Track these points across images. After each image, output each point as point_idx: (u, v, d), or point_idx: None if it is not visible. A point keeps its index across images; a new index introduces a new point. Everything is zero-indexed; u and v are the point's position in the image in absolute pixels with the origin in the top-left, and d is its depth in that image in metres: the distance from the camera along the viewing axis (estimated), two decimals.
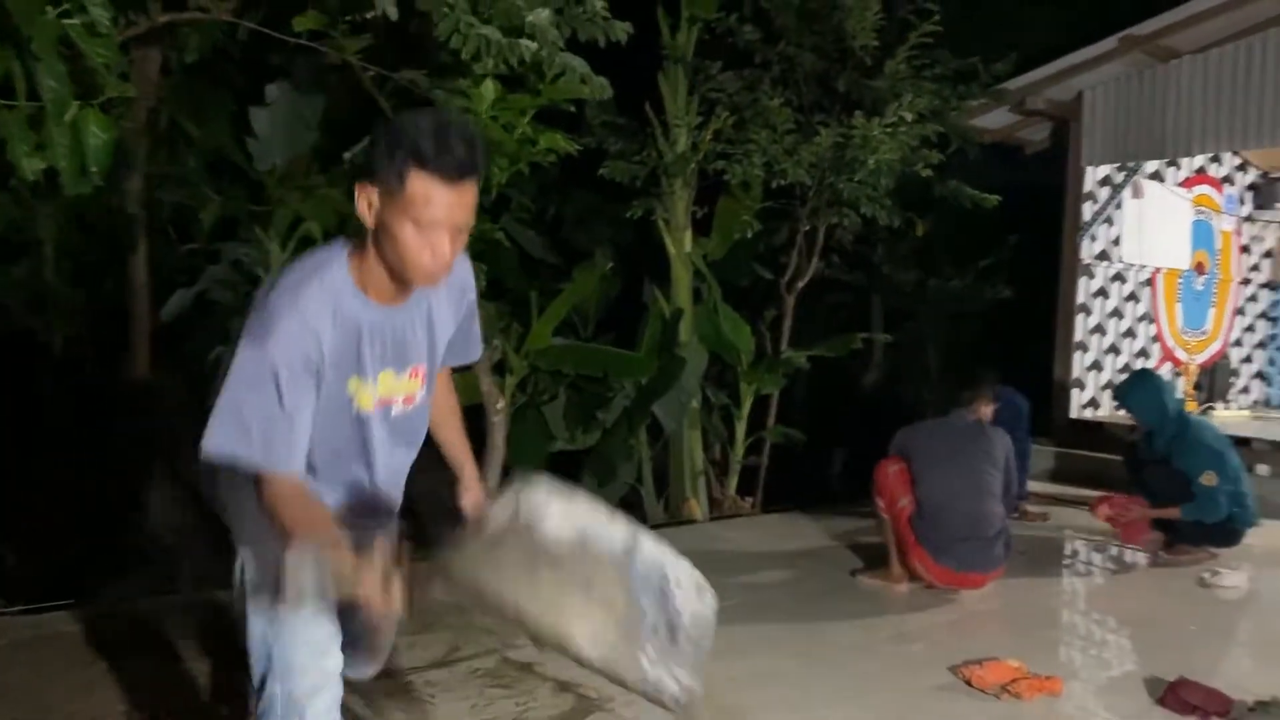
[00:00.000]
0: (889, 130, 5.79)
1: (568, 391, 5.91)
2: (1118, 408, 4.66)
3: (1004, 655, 3.00)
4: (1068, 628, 3.87)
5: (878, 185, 6.16)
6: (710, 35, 6.16)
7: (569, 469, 5.89)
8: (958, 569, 3.86)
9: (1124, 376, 5.70)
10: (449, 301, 1.89)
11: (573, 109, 4.42)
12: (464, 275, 1.91)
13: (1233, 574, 4.24)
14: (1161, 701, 2.76)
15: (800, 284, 6.72)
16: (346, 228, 5.65)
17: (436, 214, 1.60)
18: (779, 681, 2.93)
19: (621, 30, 3.69)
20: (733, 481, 6.52)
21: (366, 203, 1.65)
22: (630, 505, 6.28)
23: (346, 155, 4.68)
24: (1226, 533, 4.51)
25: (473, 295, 1.97)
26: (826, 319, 8.71)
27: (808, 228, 6.61)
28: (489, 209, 4.52)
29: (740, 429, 6.51)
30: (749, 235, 6.35)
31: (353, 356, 1.75)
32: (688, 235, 6.27)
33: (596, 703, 2.72)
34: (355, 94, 4.64)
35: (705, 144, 5.97)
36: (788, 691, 2.86)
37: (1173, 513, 4.46)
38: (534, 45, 3.36)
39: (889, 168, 5.96)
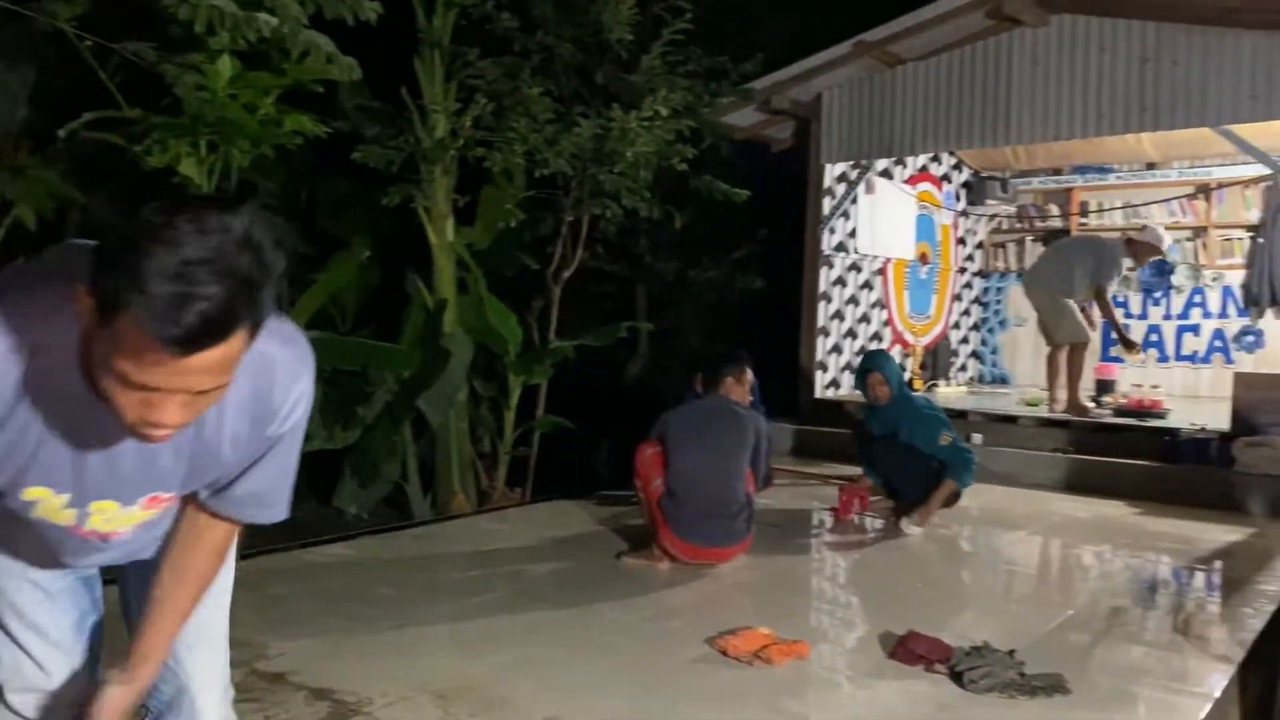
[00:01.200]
0: (645, 124, 5.96)
1: (324, 387, 5.65)
2: (860, 381, 5.03)
3: (756, 624, 3.17)
4: (815, 594, 4.16)
5: (637, 178, 6.32)
6: (467, 21, 6.07)
7: (328, 469, 5.65)
8: (703, 544, 4.04)
9: (860, 357, 6.22)
10: (242, 420, 1.33)
11: (322, 90, 4.23)
12: (275, 393, 1.32)
13: (908, 522, 4.79)
14: (893, 655, 3.01)
15: (566, 274, 6.78)
16: (68, 217, 5.13)
17: (153, 380, 1.11)
18: (546, 668, 2.95)
19: (371, 9, 3.57)
20: (502, 473, 6.49)
21: (81, 300, 1.13)
22: (396, 504, 6.12)
23: (61, 132, 4.23)
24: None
25: (288, 428, 1.38)
26: (593, 309, 8.84)
27: (572, 218, 6.67)
28: (232, 195, 4.24)
29: (509, 420, 6.50)
30: (513, 225, 6.33)
31: (46, 462, 1.27)
32: (449, 224, 6.16)
33: (353, 706, 2.63)
34: (73, 65, 4.22)
35: (465, 131, 5.89)
36: (555, 677, 2.88)
37: (950, 486, 4.83)
38: (274, 20, 3.17)
39: (646, 160, 6.13)
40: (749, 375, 4.43)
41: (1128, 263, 6.92)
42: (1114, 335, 7.19)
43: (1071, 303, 6.85)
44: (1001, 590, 4.30)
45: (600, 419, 8.52)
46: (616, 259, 8.77)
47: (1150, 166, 8.74)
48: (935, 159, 9.04)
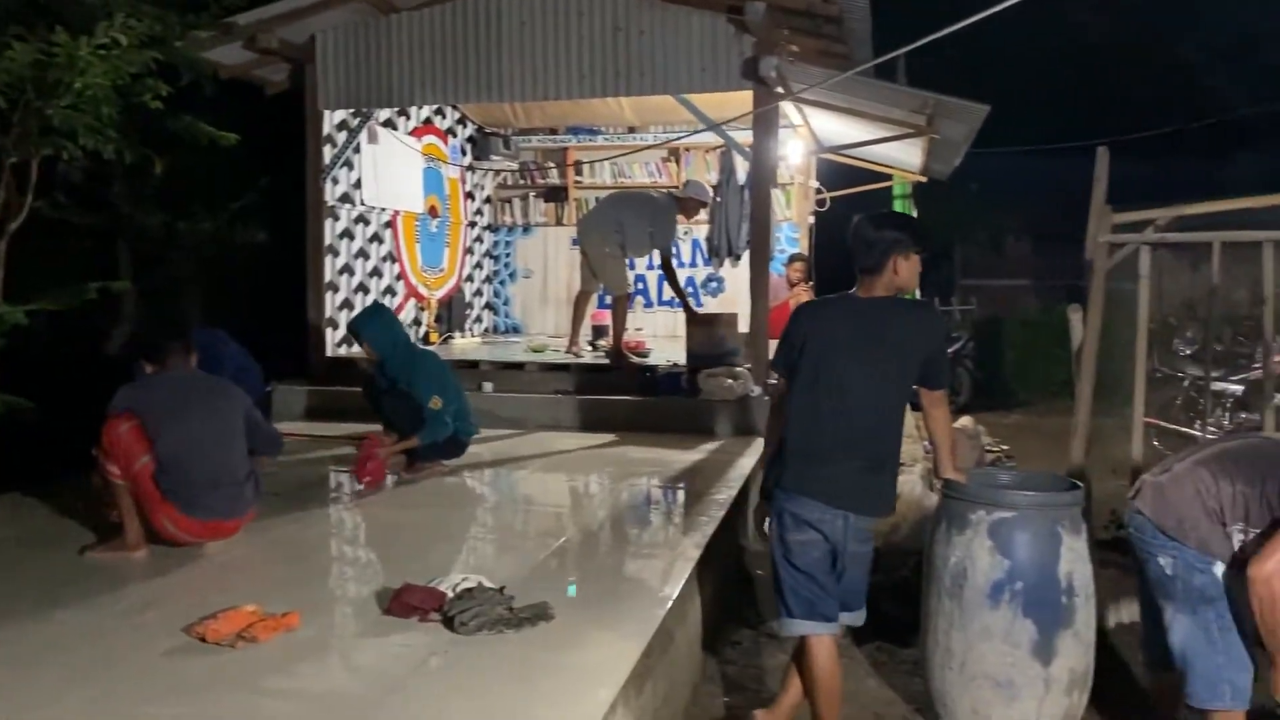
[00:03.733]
0: (100, 52, 5.18)
1: None
2: (351, 342, 4.92)
3: (243, 602, 2.96)
4: (315, 561, 3.98)
5: (99, 114, 5.49)
6: None
7: None
8: (211, 518, 3.73)
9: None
10: None
11: None
12: None
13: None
14: (388, 610, 2.99)
15: (13, 226, 5.72)
16: None
17: None
18: None
19: None
20: None
21: None
22: None
23: None
24: (454, 445, 5.14)
25: None
26: (61, 268, 7.62)
27: (15, 159, 5.62)
28: None
29: None
30: None
31: None
32: None
33: None
34: None
35: None
36: (5, 698, 2.44)
37: (412, 442, 4.92)
38: None
39: (106, 95, 5.34)
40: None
41: (679, 219, 7.61)
42: (677, 299, 7.86)
43: (620, 256, 7.32)
44: (503, 528, 4.50)
45: (78, 395, 7.42)
46: (88, 210, 7.64)
47: (632, 130, 9.62)
48: (440, 113, 9.09)
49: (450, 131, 9.30)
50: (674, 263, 8.45)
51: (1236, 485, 2.82)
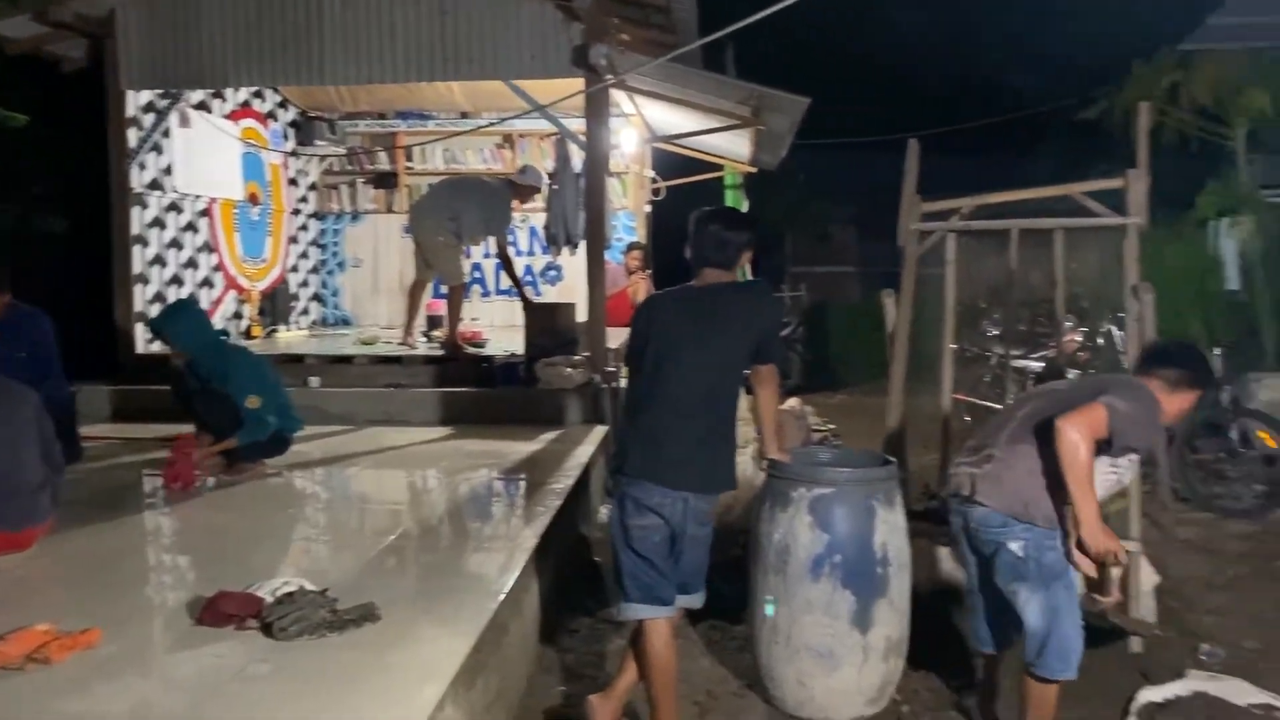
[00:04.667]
0: None
1: None
2: (152, 338, 4.63)
3: (36, 621, 2.73)
4: (122, 572, 3.70)
5: None
6: None
7: None
8: (7, 529, 3.44)
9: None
10: None
11: None
12: None
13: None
14: (200, 620, 2.83)
15: None
16: None
17: None
18: None
19: None
20: None
21: None
22: None
23: None
24: (278, 443, 4.91)
25: None
26: None
27: None
28: None
29: None
30: None
31: None
32: None
33: None
34: None
35: None
36: None
37: (230, 443, 4.67)
38: None
39: None
40: None
41: (514, 205, 7.46)
42: (514, 289, 7.73)
43: (455, 245, 7.12)
44: (332, 528, 4.35)
45: None
46: None
47: (464, 115, 9.43)
48: (259, 95, 8.65)
49: (271, 115, 8.87)
50: (512, 251, 8.38)
51: (1043, 437, 2.99)
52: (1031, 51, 17.17)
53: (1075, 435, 2.80)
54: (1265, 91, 9.13)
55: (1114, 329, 7.43)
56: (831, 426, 8.47)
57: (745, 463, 5.75)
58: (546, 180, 8.04)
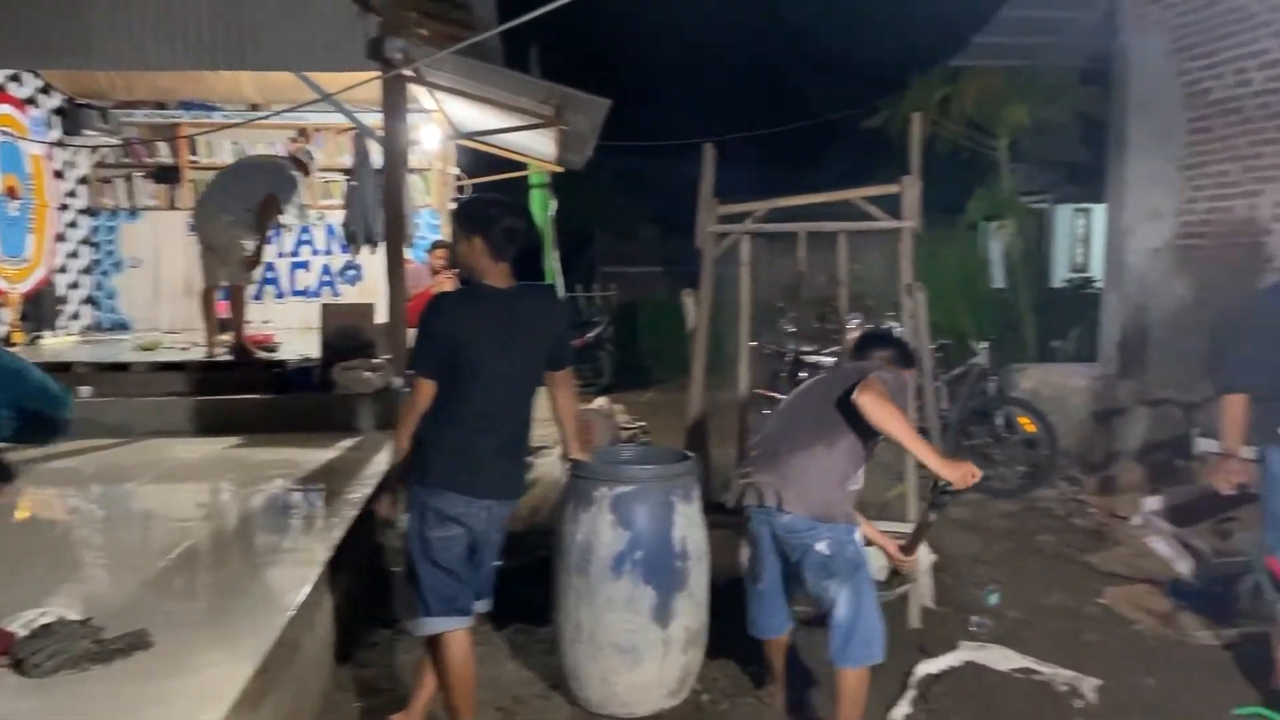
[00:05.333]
0: None
1: None
2: None
3: None
4: None
5: None
6: None
7: None
8: None
9: None
10: None
11: None
12: None
13: None
14: None
15: None
16: None
17: None
18: None
19: None
20: None
21: None
22: None
23: None
24: (47, 427, 4.44)
25: None
26: None
27: None
28: None
29: None
30: None
31: None
32: None
33: None
34: None
35: None
36: None
37: None
38: None
39: None
40: None
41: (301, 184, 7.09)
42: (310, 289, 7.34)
43: (255, 233, 6.62)
44: (104, 551, 4.01)
45: None
46: None
47: (254, 107, 8.94)
48: (16, 79, 7.87)
49: (31, 101, 8.08)
50: (310, 250, 8.03)
51: (825, 436, 3.16)
52: (827, 61, 18.04)
53: (873, 394, 2.97)
54: (1023, 106, 9.99)
55: (895, 325, 7.93)
56: (641, 424, 8.61)
57: (551, 463, 5.75)
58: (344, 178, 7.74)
